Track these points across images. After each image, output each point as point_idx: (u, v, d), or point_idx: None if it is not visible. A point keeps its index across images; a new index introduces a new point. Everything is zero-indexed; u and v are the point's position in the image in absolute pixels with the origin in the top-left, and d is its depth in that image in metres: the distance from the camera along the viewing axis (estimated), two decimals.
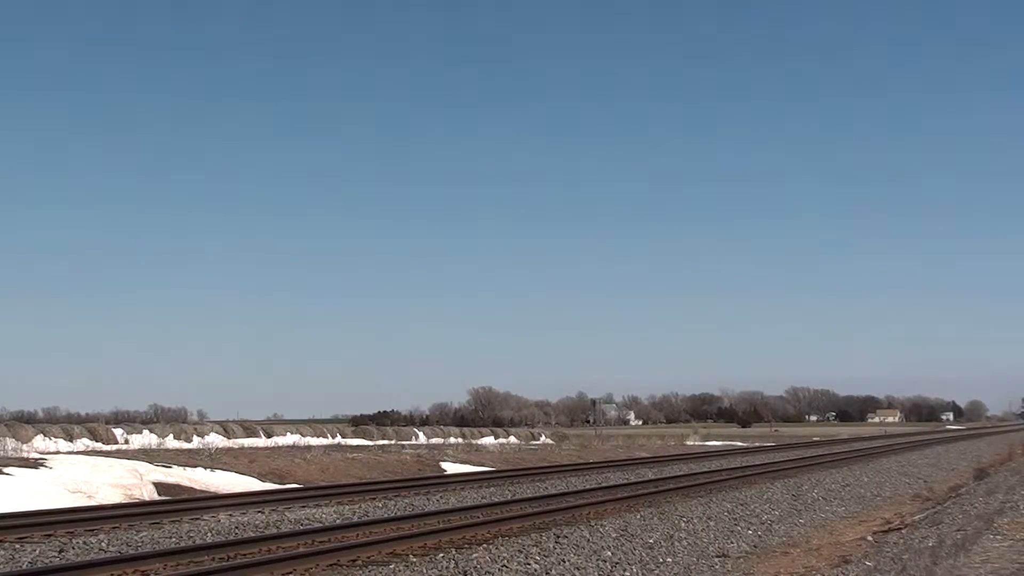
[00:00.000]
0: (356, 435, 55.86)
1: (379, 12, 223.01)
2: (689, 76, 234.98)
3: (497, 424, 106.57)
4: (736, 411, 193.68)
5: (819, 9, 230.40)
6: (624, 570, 12.01)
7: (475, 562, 11.55)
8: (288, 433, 51.10)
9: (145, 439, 42.18)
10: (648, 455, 42.74)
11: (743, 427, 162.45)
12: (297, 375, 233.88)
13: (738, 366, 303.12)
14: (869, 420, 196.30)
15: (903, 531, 15.59)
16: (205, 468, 25.18)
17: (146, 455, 27.92)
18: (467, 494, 21.12)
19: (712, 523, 16.21)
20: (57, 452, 30.13)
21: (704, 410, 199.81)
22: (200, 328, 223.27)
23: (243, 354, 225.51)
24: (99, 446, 36.84)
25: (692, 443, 68.18)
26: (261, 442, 45.83)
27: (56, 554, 12.03)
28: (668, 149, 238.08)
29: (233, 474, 25.19)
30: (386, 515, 16.19)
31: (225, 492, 21.89)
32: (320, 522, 15.31)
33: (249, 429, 50.34)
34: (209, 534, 14.01)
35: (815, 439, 73.97)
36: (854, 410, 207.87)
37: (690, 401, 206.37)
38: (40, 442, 36.75)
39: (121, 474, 22.56)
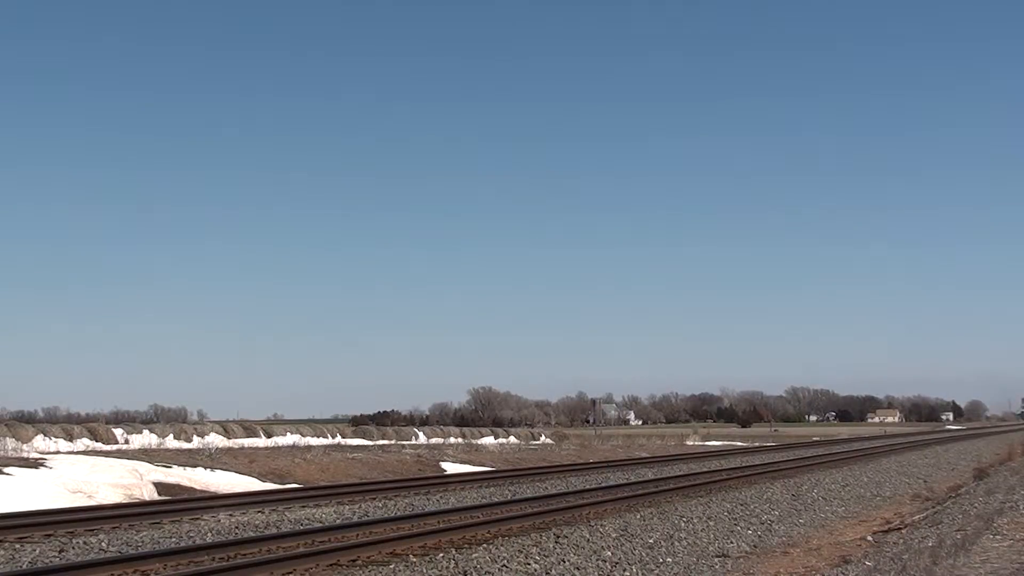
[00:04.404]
0: (356, 435, 55.95)
1: (378, 9, 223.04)
2: (687, 73, 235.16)
3: (497, 424, 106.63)
4: (736, 411, 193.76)
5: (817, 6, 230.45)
6: (624, 570, 12.01)
7: (475, 562, 11.55)
8: (288, 433, 51.20)
9: (145, 439, 42.26)
10: (648, 455, 42.74)
11: (743, 427, 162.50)
12: (297, 375, 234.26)
13: (738, 366, 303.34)
14: (869, 420, 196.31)
15: (903, 531, 15.59)
16: (205, 468, 25.19)
17: (146, 455, 27.93)
18: (467, 494, 21.12)
19: (712, 523, 16.21)
20: (57, 452, 30.16)
21: (704, 410, 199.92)
22: (200, 328, 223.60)
23: (243, 354, 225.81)
24: (99, 446, 36.88)
25: (692, 443, 68.16)
26: (261, 442, 45.87)
27: (56, 554, 12.02)
28: (667, 147, 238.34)
29: (233, 474, 25.20)
30: (386, 515, 16.19)
31: (225, 492, 21.89)
32: (320, 522, 15.31)
33: (249, 429, 50.41)
34: (209, 534, 14.00)
35: (815, 439, 73.99)
36: (854, 410, 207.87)
37: (690, 401, 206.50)
38: (40, 442, 36.80)
39: (121, 474, 22.56)
